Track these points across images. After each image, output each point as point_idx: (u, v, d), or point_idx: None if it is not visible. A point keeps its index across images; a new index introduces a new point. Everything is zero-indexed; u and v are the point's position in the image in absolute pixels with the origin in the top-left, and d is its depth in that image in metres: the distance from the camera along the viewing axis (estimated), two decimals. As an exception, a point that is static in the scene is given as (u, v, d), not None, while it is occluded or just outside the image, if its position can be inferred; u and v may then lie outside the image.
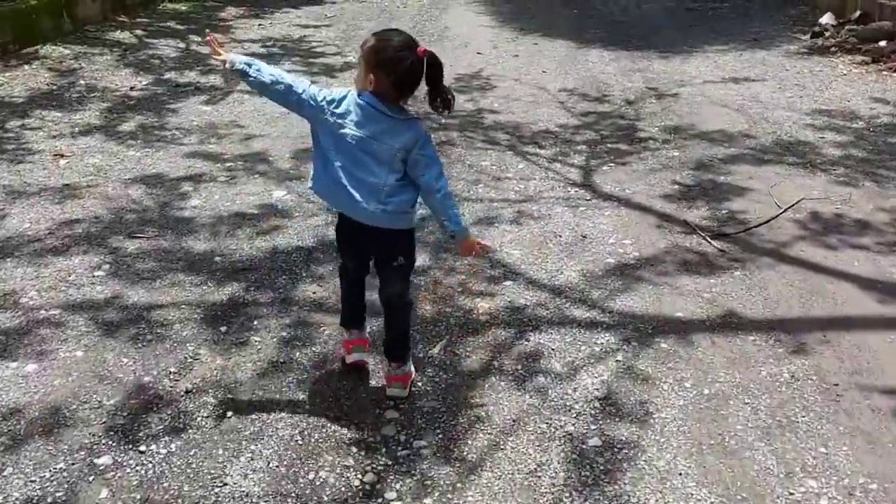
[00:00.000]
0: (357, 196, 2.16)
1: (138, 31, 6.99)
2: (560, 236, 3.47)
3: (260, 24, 7.79)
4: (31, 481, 1.99)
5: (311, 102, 2.18)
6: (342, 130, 2.15)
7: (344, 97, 2.17)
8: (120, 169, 4.10)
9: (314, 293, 2.96)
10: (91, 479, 2.00)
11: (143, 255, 3.20)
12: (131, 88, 5.47)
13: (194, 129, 4.77)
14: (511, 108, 5.39)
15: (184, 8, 8.15)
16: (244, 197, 3.82)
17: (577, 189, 4.01)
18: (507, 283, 3.07)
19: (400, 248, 2.31)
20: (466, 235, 2.32)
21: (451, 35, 7.67)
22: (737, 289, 3.01)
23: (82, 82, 5.53)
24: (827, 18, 7.48)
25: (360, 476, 2.03)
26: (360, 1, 9.43)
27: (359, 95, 2.16)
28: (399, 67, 2.10)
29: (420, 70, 2.11)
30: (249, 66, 2.21)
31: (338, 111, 2.16)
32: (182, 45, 6.76)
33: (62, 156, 4.22)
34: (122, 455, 2.09)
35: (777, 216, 3.62)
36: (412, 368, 2.44)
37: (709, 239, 3.40)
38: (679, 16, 8.65)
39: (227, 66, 2.24)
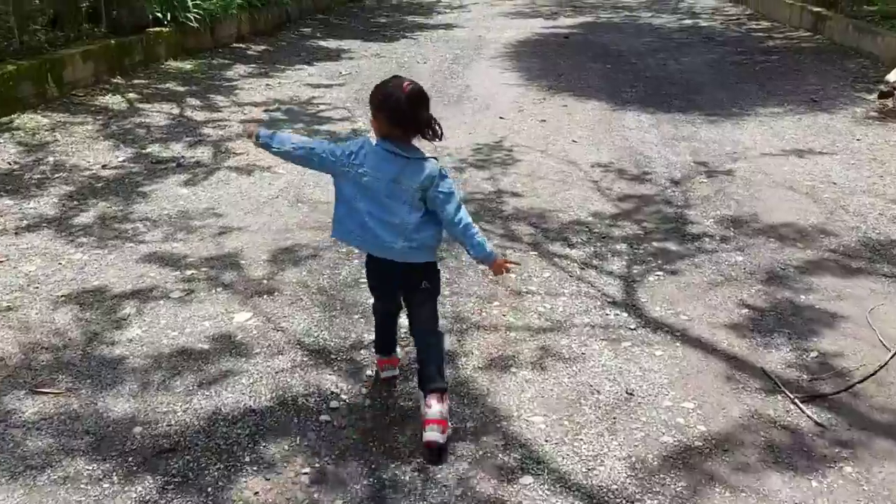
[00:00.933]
0: (385, 237, 2.27)
1: (131, 95, 6.31)
2: (598, 392, 2.56)
3: (267, 85, 7.09)
4: None
5: (331, 159, 2.32)
6: (364, 179, 2.26)
7: (361, 147, 2.30)
8: (56, 280, 3.31)
9: (256, 496, 2.09)
10: None
11: (40, 426, 2.37)
12: (103, 166, 4.72)
13: (162, 219, 3.98)
14: (536, 189, 4.53)
15: (188, 67, 7.49)
16: (197, 323, 2.98)
17: (617, 312, 3.11)
18: (527, 479, 2.17)
19: (426, 275, 2.39)
20: (493, 259, 2.39)
21: (472, 95, 6.87)
22: (851, 502, 2.07)
23: (51, 159, 4.81)
24: (894, 76, 6.53)
25: None
26: (379, 56, 8.73)
27: (374, 143, 2.30)
28: (389, 105, 2.23)
29: (406, 104, 2.22)
30: (271, 138, 2.40)
31: (356, 161, 2.28)
32: (176, 110, 6.04)
33: (-5, 260, 3.46)
34: None
35: (886, 364, 2.68)
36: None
37: (799, 404, 2.46)
38: (723, 71, 7.76)
39: (252, 140, 2.42)
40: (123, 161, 4.84)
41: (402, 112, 2.23)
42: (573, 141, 5.48)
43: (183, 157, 4.96)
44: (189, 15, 7.62)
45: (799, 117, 5.94)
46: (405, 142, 2.29)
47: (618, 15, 12.17)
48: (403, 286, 2.43)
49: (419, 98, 2.26)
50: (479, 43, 9.69)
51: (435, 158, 2.34)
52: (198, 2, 7.79)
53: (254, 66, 7.91)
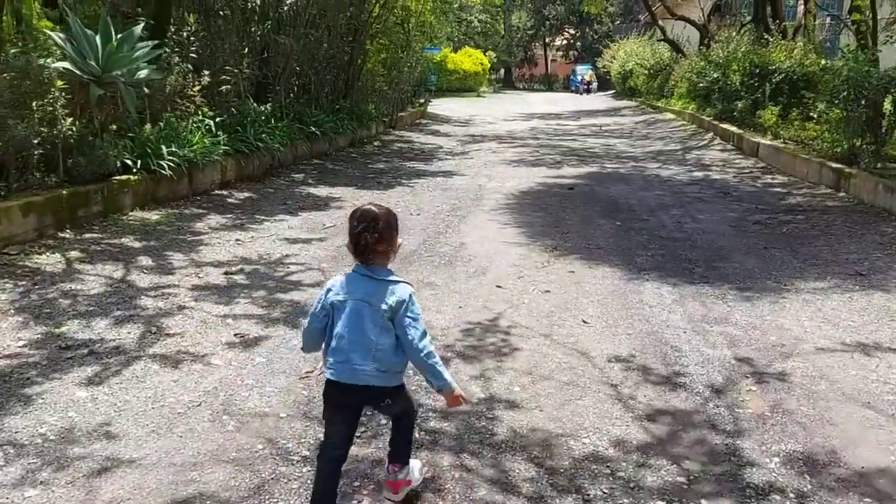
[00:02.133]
0: (356, 359, 2.32)
1: (74, 253, 5.41)
2: None
3: (238, 240, 6.22)
4: None
5: (322, 313, 2.39)
6: (339, 303, 2.35)
7: (336, 279, 2.41)
8: None
9: None
10: None
11: None
12: (-5, 353, 3.72)
13: (33, 444, 2.90)
14: (538, 395, 3.46)
15: (155, 218, 6.68)
16: None
17: None
18: None
19: (389, 395, 2.42)
20: (452, 388, 2.42)
21: (467, 255, 5.96)
22: None
23: (-66, 340, 3.82)
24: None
25: None
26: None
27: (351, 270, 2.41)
28: (350, 231, 2.37)
29: (354, 224, 2.35)
30: (302, 347, 2.56)
31: (334, 289, 2.38)
32: (119, 272, 5.12)
33: None
34: None
35: None
36: (412, 477, 2.59)
37: None
38: (747, 232, 6.89)
39: None
40: (24, 345, 3.83)
41: (355, 239, 2.35)
42: (583, 321, 4.47)
43: (102, 339, 3.95)
44: (162, 163, 6.91)
45: (849, 296, 4.95)
46: (374, 264, 2.37)
47: (624, 166, 11.59)
48: (373, 408, 2.65)
49: (362, 217, 2.34)
50: (478, 192, 8.97)
51: (407, 283, 2.41)
52: (174, 149, 7.10)
53: (230, 216, 7.10)
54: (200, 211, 7.17)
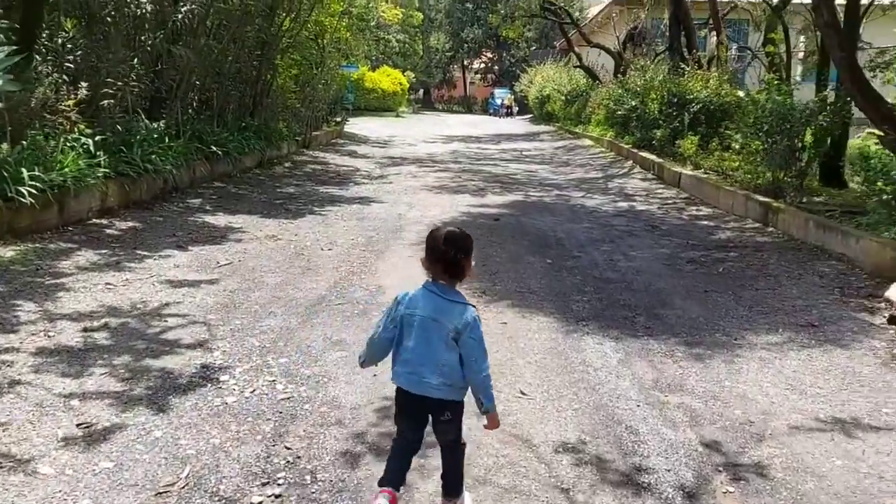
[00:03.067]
0: (424, 372, 2.44)
1: None
2: None
3: (109, 284, 5.17)
4: None
5: (392, 325, 2.51)
6: (412, 317, 2.46)
7: (406, 294, 2.51)
8: None
9: None
10: None
11: None
12: None
13: None
14: (473, 507, 2.69)
15: (9, 254, 5.53)
16: None
17: None
18: None
19: (450, 408, 2.52)
20: (496, 411, 2.54)
21: (385, 303, 5.15)
22: None
23: None
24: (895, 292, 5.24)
25: None
26: (275, 239, 7.03)
27: (421, 286, 2.51)
28: (428, 245, 2.49)
29: (439, 247, 2.46)
30: (362, 359, 2.63)
31: (404, 303, 2.49)
32: (-59, 331, 4.03)
33: None
34: None
35: None
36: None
37: None
38: (682, 272, 6.38)
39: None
40: None
41: (437, 255, 2.46)
42: (521, 393, 3.74)
43: None
44: (22, 189, 5.77)
45: (807, 353, 4.43)
46: (449, 284, 2.49)
47: (548, 194, 11.07)
48: (432, 421, 2.56)
49: (454, 241, 2.47)
50: (398, 223, 8.18)
51: (473, 306, 2.50)
52: (38, 172, 5.98)
53: (105, 251, 6.02)
54: (70, 245, 6.06)
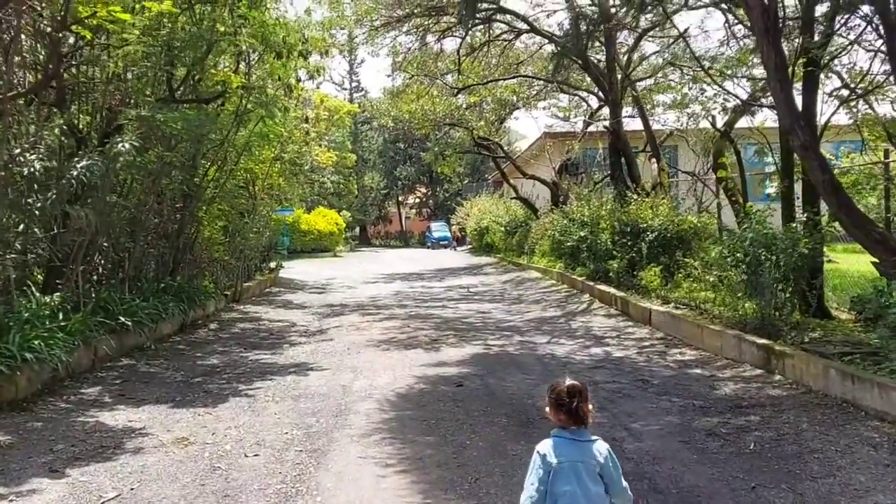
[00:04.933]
0: None
1: None
2: None
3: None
4: None
5: (546, 477, 2.82)
6: (562, 465, 2.80)
7: (550, 445, 2.88)
8: None
9: None
10: None
11: None
12: None
13: None
14: None
15: None
16: None
17: None
18: None
19: None
20: None
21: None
22: None
23: None
24: None
25: None
26: (185, 444, 5.40)
27: (552, 437, 2.92)
28: (555, 403, 2.92)
29: (565, 402, 2.89)
30: None
31: (549, 455, 2.84)
32: None
33: None
34: None
35: None
36: None
37: None
38: (708, 453, 5.04)
39: None
40: None
41: (560, 404, 2.89)
42: None
43: None
44: None
45: None
46: (573, 426, 2.89)
47: (510, 342, 9.78)
48: None
49: (575, 392, 2.89)
50: (342, 401, 6.66)
51: (601, 440, 2.93)
52: None
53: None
54: None
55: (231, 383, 7.47)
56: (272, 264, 19.06)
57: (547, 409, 2.96)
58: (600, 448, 2.87)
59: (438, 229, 46.81)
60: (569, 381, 2.94)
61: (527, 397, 6.73)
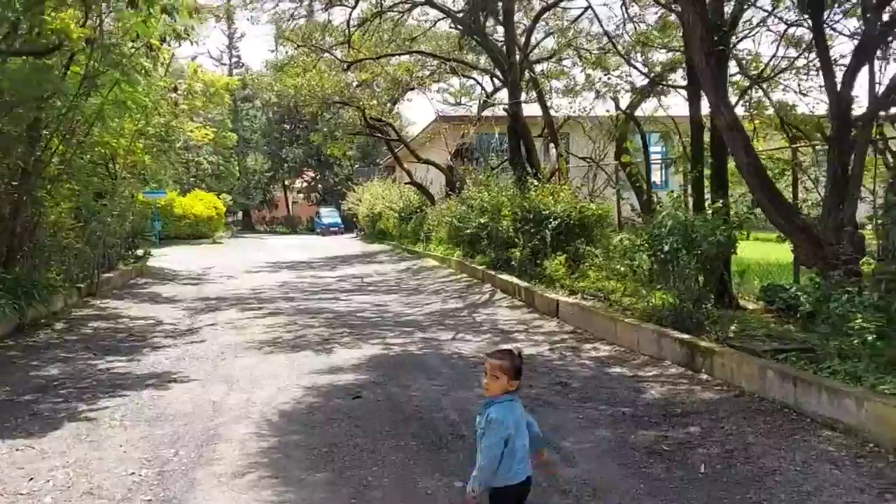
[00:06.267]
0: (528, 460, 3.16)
1: None
2: None
3: None
4: None
5: (499, 451, 3.04)
6: (518, 420, 3.15)
7: (510, 407, 3.12)
8: None
9: None
10: None
11: None
12: None
13: None
14: None
15: None
16: None
17: None
18: None
19: None
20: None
21: None
22: None
23: None
24: None
25: None
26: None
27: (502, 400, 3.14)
28: (517, 369, 3.18)
29: (521, 363, 3.24)
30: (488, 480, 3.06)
31: (511, 414, 3.10)
32: None
33: None
34: None
35: None
36: None
37: None
38: (655, 480, 4.26)
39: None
40: None
41: (519, 367, 3.16)
42: None
43: None
44: None
45: None
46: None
47: (411, 339, 8.79)
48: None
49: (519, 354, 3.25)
50: (210, 425, 5.42)
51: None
52: None
53: None
54: None
55: (69, 402, 6.03)
56: (139, 252, 17.06)
57: (498, 377, 3.08)
58: (519, 404, 3.20)
59: (328, 215, 45.09)
60: (514, 348, 3.28)
61: (436, 409, 5.78)
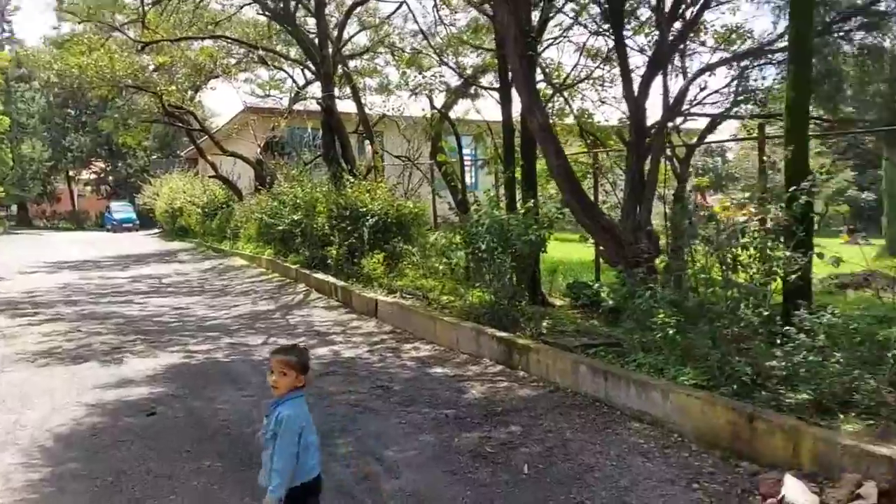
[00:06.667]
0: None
1: None
2: None
3: None
4: None
5: (296, 448, 2.97)
6: (309, 419, 3.09)
7: (298, 408, 3.05)
8: None
9: None
10: None
11: None
12: None
13: None
14: None
15: None
16: None
17: None
18: None
19: None
20: None
21: None
22: None
23: None
24: (794, 491, 3.70)
25: None
26: None
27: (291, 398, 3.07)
28: (306, 364, 3.15)
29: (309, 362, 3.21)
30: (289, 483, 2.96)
31: (303, 412, 3.06)
32: None
33: None
34: None
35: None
36: None
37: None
38: (481, 485, 4.15)
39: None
40: None
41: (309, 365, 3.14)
42: None
43: None
44: None
45: None
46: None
47: (217, 345, 8.07)
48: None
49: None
50: (-36, 460, 4.47)
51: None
52: None
53: None
54: None
55: None
56: None
57: (286, 374, 3.03)
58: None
59: (121, 209, 41.19)
60: (302, 345, 3.27)
61: (245, 423, 5.26)
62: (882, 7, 8.04)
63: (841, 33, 8.02)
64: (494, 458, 4.55)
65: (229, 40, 20.16)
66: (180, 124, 25.57)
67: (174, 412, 5.54)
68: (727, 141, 13.67)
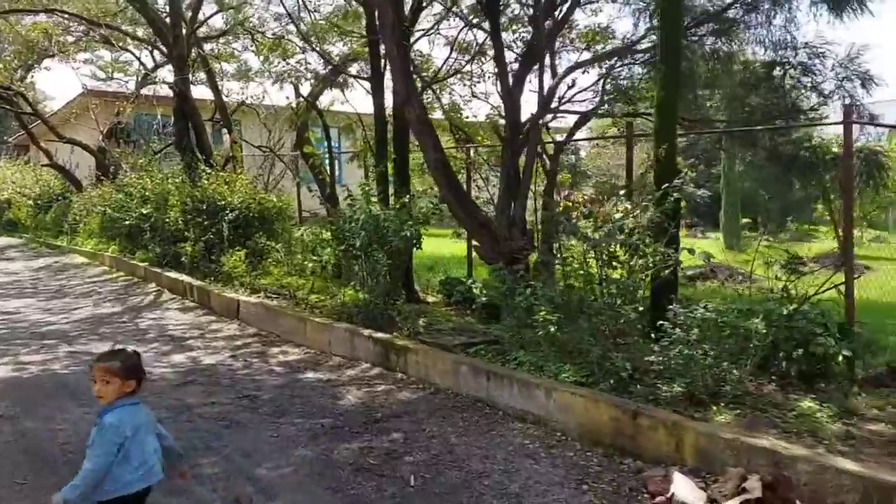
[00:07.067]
0: (157, 465, 2.92)
1: None
2: None
3: None
4: None
5: (111, 458, 2.78)
6: (136, 433, 2.86)
7: (128, 411, 2.87)
8: None
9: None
10: None
11: None
12: None
13: None
14: None
15: None
16: None
17: None
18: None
19: None
20: None
21: None
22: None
23: None
24: (683, 489, 3.71)
25: None
26: None
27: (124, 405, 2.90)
28: (138, 367, 3.01)
29: (140, 366, 3.06)
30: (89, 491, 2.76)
31: (125, 430, 2.82)
32: None
33: None
34: None
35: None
36: None
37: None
38: (368, 501, 3.85)
39: None
40: None
41: (140, 369, 2.99)
42: None
43: None
44: None
45: None
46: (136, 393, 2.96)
47: (54, 354, 7.14)
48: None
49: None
50: None
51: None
52: None
53: None
54: None
55: None
56: None
57: (109, 381, 2.85)
58: (145, 407, 2.98)
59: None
60: (129, 348, 3.04)
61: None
62: (731, 14, 8.53)
63: (695, 38, 8.43)
64: (378, 470, 4.26)
65: (67, 15, 18.24)
66: (8, 107, 22.88)
67: (3, 437, 4.77)
68: (598, 139, 14.16)
